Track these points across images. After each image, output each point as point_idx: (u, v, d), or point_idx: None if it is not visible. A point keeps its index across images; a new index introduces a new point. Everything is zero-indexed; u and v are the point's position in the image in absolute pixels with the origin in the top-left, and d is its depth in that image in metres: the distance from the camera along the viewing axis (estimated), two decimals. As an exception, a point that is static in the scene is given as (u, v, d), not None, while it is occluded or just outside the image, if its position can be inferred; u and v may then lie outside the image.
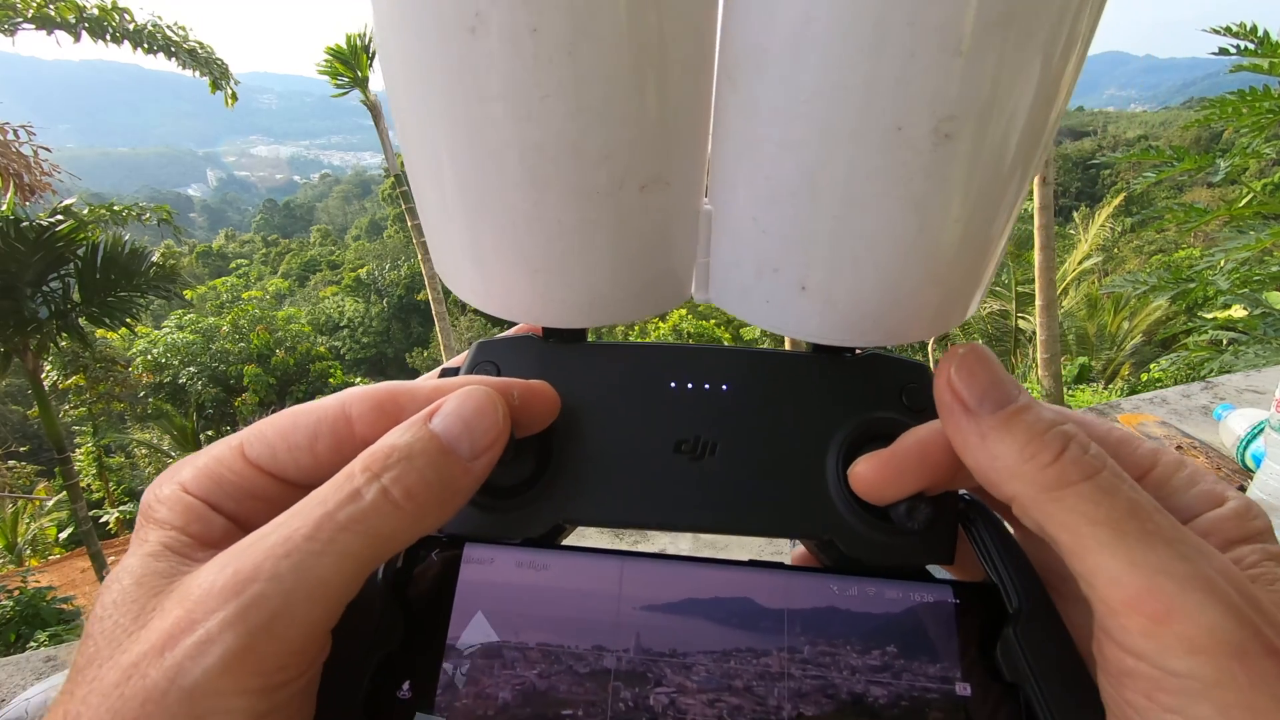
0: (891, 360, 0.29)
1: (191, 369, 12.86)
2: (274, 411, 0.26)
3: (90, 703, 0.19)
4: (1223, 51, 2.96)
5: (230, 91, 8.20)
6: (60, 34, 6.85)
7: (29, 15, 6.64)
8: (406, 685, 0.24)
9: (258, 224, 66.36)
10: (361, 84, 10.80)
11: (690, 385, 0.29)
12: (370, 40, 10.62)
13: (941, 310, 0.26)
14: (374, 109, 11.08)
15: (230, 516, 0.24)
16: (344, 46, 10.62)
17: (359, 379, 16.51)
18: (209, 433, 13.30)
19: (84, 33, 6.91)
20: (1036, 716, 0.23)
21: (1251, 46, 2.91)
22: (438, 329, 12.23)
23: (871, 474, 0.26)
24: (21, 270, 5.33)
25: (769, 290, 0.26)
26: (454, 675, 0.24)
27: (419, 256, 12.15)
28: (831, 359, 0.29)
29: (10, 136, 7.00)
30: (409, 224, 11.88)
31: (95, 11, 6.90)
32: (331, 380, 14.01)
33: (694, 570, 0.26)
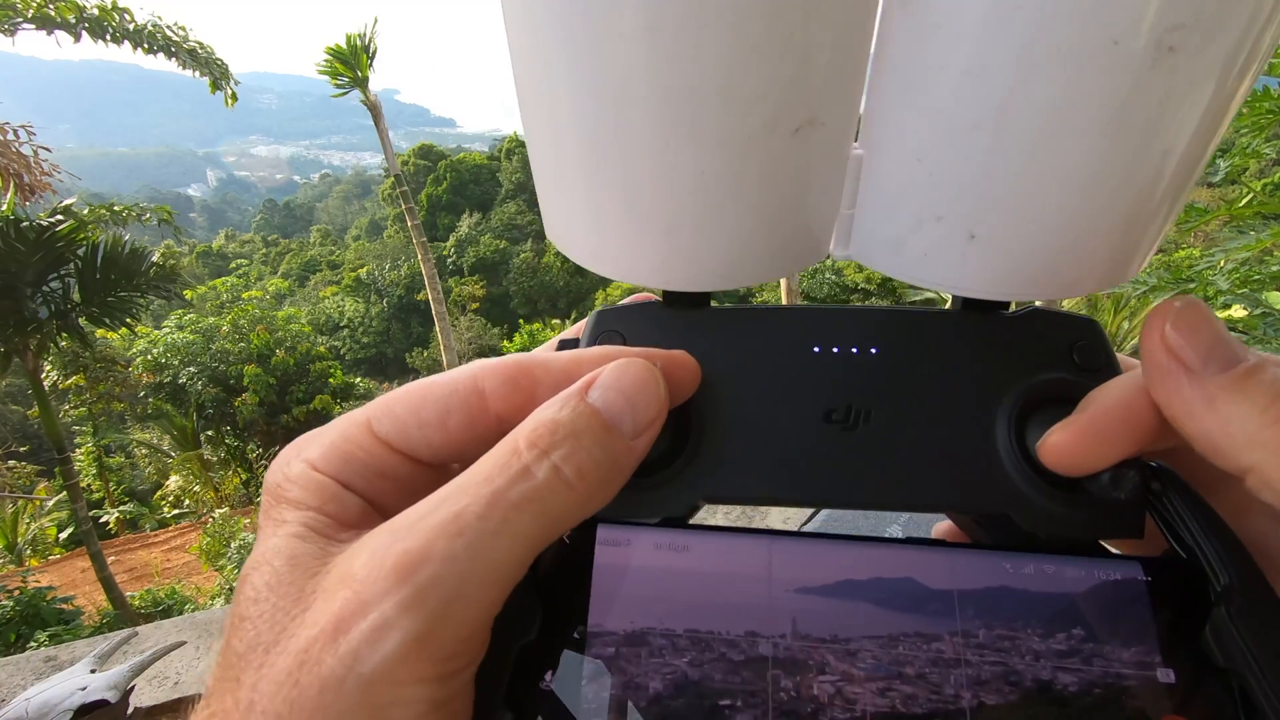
0: (1058, 315, 0.26)
1: (191, 369, 12.86)
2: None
3: (263, 690, 0.19)
4: (1223, 51, 2.96)
5: (230, 91, 8.20)
6: (60, 34, 6.85)
7: (29, 15, 6.63)
8: (549, 675, 0.23)
9: (258, 224, 66.34)
10: (361, 84, 10.79)
11: (836, 350, 0.26)
12: (370, 40, 10.64)
13: (1118, 259, 0.23)
14: (374, 109, 11.07)
15: (363, 495, 0.23)
16: (344, 46, 10.62)
17: (359, 379, 16.50)
18: (209, 433, 13.29)
19: (84, 33, 6.91)
20: (1257, 707, 0.20)
21: (1251, 46, 2.89)
22: (438, 329, 12.23)
23: (1070, 443, 0.23)
24: (21, 270, 5.33)
25: (929, 241, 0.23)
26: (599, 665, 0.23)
27: (419, 256, 12.15)
28: (988, 317, 0.26)
29: (10, 136, 7.00)
30: (409, 224, 11.86)
31: (95, 11, 6.89)
32: (331, 380, 14.00)
33: (848, 549, 0.24)
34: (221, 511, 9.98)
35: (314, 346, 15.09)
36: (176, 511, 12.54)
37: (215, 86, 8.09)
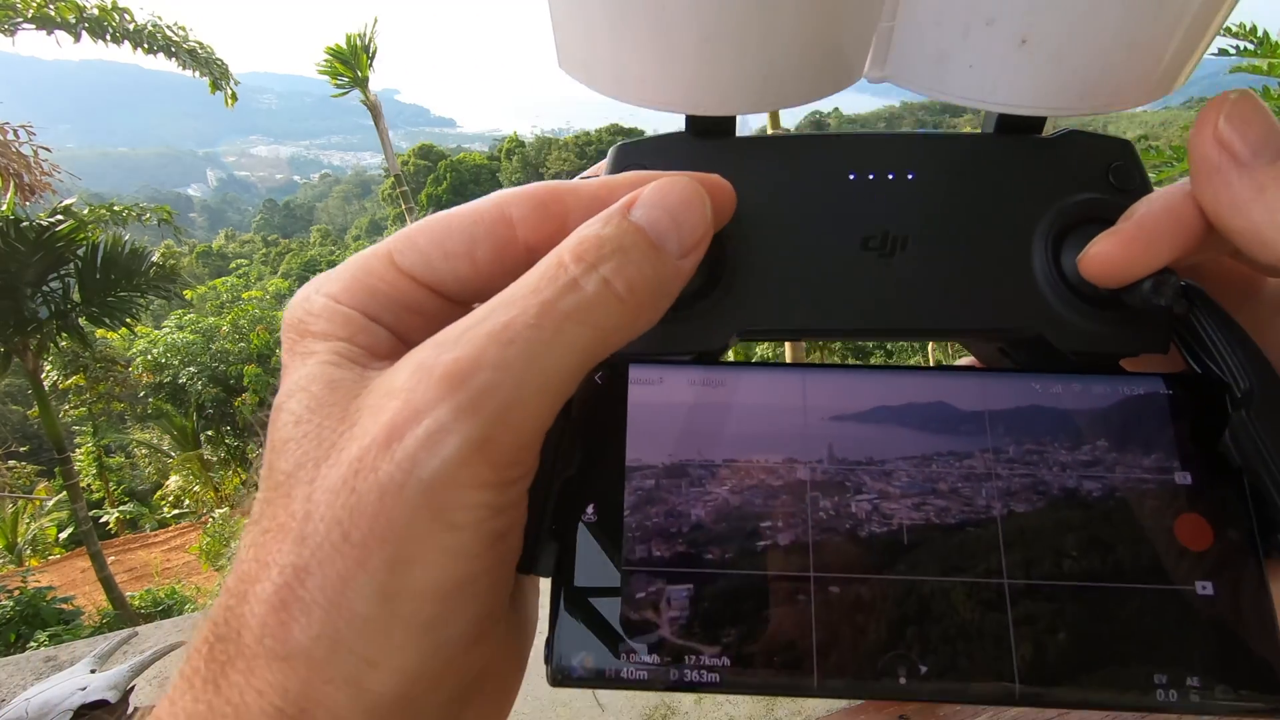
0: (1093, 137, 0.26)
1: (191, 369, 12.85)
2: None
3: (318, 500, 0.18)
4: (1222, 52, 2.96)
5: (230, 91, 8.19)
6: (60, 34, 6.85)
7: (29, 15, 6.63)
8: (591, 509, 0.23)
9: (258, 224, 66.29)
10: (361, 84, 10.79)
11: (872, 176, 0.26)
12: (370, 40, 10.63)
13: (1167, 68, 0.23)
14: (374, 109, 11.07)
15: (389, 329, 0.22)
16: (344, 46, 10.61)
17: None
18: (209, 433, 13.28)
19: (84, 33, 6.91)
20: (1269, 500, 0.22)
21: (1251, 47, 2.90)
22: (438, 329, 12.17)
23: (1115, 251, 0.23)
24: (21, 270, 5.33)
25: (977, 50, 0.22)
26: (640, 497, 0.23)
27: (419, 256, 12.08)
28: (1024, 139, 0.26)
29: (10, 136, 7.00)
30: (408, 224, 11.84)
31: (95, 11, 6.89)
32: (331, 380, 13.96)
33: (881, 378, 0.25)
34: (221, 511, 9.98)
35: (314, 346, 15.01)
36: (176, 511, 12.54)
37: (215, 86, 8.08)
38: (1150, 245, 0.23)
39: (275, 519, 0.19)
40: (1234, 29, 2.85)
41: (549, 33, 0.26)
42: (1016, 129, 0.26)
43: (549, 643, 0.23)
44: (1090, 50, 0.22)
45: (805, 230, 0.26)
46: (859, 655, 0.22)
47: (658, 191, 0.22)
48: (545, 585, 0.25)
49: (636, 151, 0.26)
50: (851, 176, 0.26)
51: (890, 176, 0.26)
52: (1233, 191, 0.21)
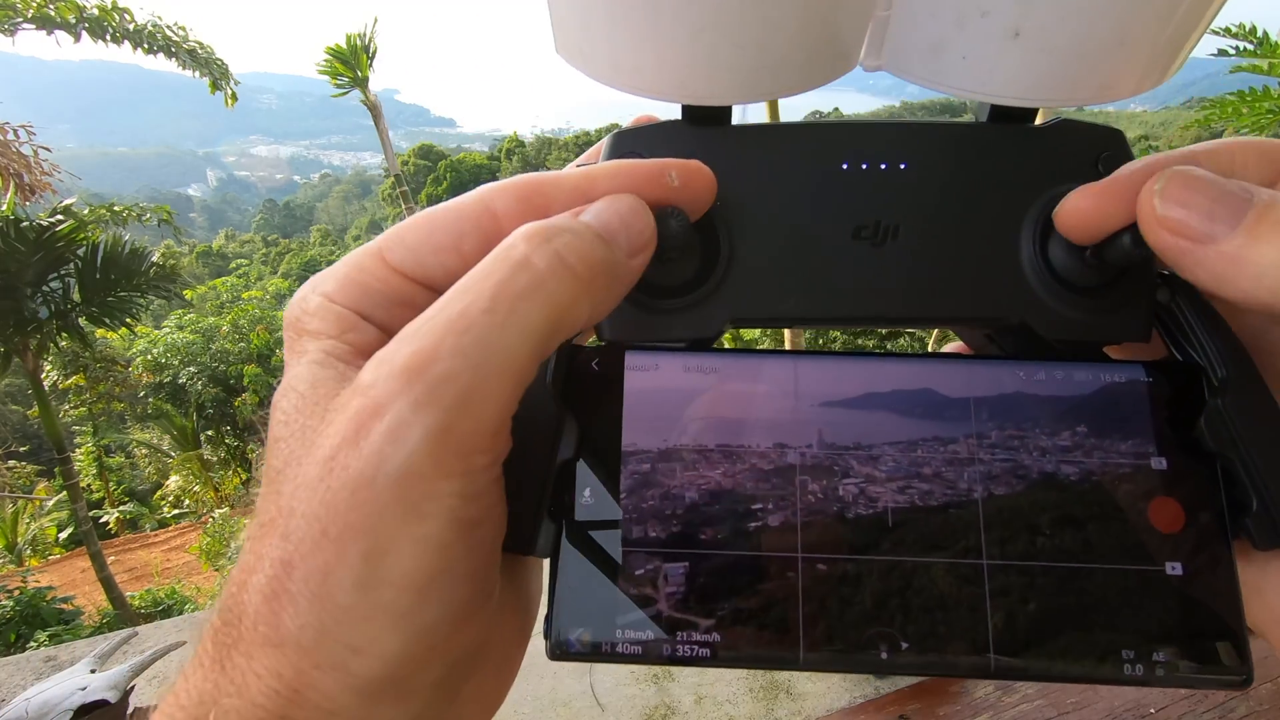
0: (1084, 126, 0.26)
1: (191, 369, 12.85)
2: None
3: (300, 497, 0.19)
4: (1222, 53, 2.96)
5: (230, 91, 8.19)
6: (60, 34, 6.85)
7: (29, 15, 6.63)
8: (588, 491, 0.24)
9: (258, 224, 66.30)
10: (361, 84, 10.79)
11: (865, 165, 0.26)
12: (370, 40, 10.63)
13: (1157, 59, 0.23)
14: (374, 109, 11.07)
15: (381, 326, 0.23)
16: (344, 46, 10.61)
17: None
18: (209, 433, 13.28)
19: (84, 33, 6.91)
20: (1240, 483, 0.23)
21: (1251, 47, 2.90)
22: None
23: (1087, 204, 0.23)
24: (21, 270, 5.33)
25: (971, 40, 0.23)
26: (636, 480, 0.24)
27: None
28: (1016, 129, 0.26)
29: (10, 136, 7.00)
30: (409, 224, 11.81)
31: (95, 11, 6.89)
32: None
33: (870, 365, 0.26)
34: (221, 511, 9.97)
35: (314, 346, 15.01)
36: (176, 511, 12.53)
37: (215, 86, 8.08)
38: (1122, 197, 0.23)
39: (268, 513, 0.20)
40: (1234, 29, 2.85)
41: (547, 24, 0.26)
42: (1009, 118, 0.27)
43: (547, 619, 0.24)
44: (1082, 42, 0.22)
45: (798, 219, 0.26)
46: (843, 631, 0.23)
47: (606, 201, 0.23)
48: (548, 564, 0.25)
49: (633, 139, 0.27)
50: (844, 166, 0.26)
51: (883, 166, 0.26)
52: (1210, 269, 0.21)
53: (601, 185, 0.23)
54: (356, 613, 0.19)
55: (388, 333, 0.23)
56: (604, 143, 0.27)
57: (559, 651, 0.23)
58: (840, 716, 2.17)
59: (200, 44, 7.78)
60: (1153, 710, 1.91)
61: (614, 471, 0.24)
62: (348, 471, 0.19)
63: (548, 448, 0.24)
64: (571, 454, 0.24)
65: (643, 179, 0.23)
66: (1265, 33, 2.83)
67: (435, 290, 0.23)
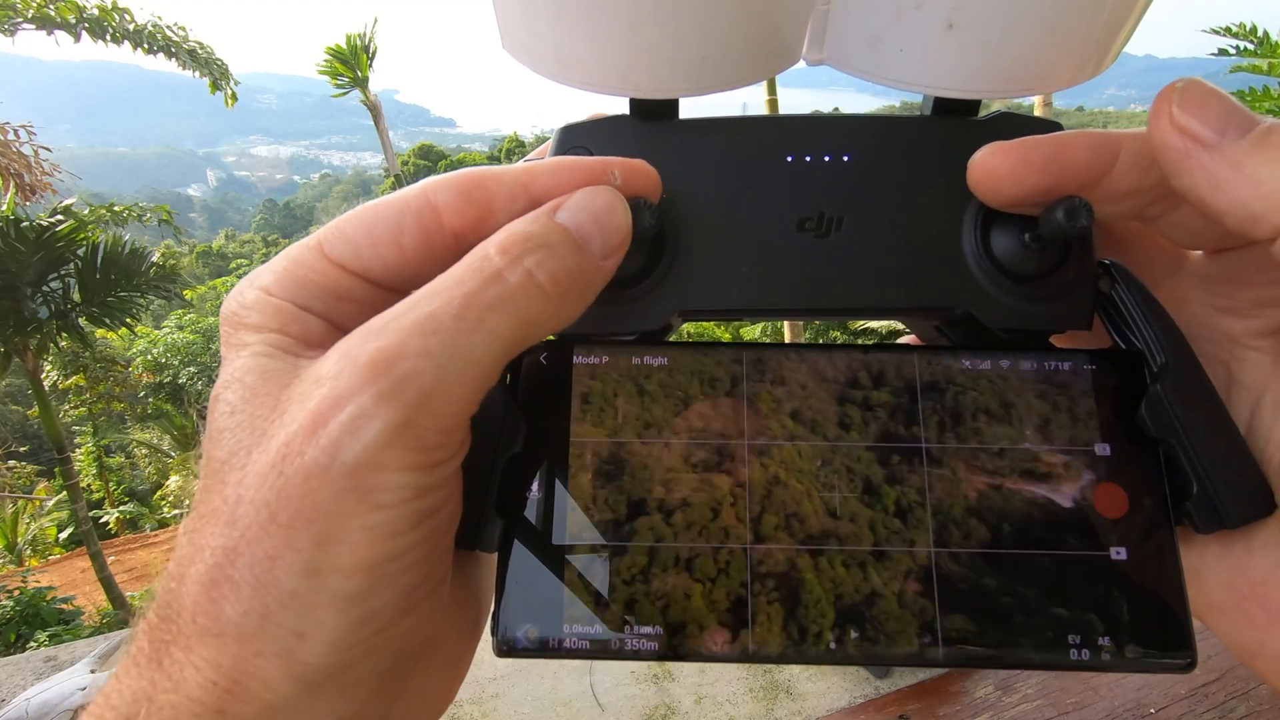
0: (1025, 119, 0.27)
1: (191, 369, 12.85)
2: None
3: (248, 484, 0.19)
4: (1222, 52, 2.96)
5: (230, 91, 8.19)
6: (60, 34, 6.85)
7: (29, 15, 6.63)
8: (535, 485, 0.24)
9: (258, 224, 66.30)
10: (361, 84, 10.79)
11: (809, 158, 0.27)
12: (370, 40, 10.64)
13: (1092, 51, 0.23)
14: (374, 109, 11.07)
15: (323, 318, 0.23)
16: (344, 47, 10.61)
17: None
18: (209, 433, 13.26)
19: (84, 33, 6.91)
20: (1181, 469, 0.24)
21: (1251, 47, 2.90)
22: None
23: (996, 161, 0.23)
24: (21, 270, 5.33)
25: (907, 33, 0.23)
26: (583, 475, 0.25)
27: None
28: (958, 121, 0.27)
29: (10, 136, 7.00)
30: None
31: (95, 11, 6.89)
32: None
33: (816, 355, 0.26)
34: (221, 511, 9.94)
35: (314, 346, 15.00)
36: (176, 511, 12.52)
37: (215, 86, 8.08)
38: (1033, 158, 0.23)
39: (210, 504, 0.20)
40: (1234, 29, 2.85)
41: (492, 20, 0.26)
42: (952, 111, 0.27)
43: (494, 615, 0.24)
44: (1014, 33, 0.22)
45: (743, 211, 0.26)
46: (792, 623, 0.23)
47: (584, 196, 0.23)
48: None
49: (580, 133, 0.27)
50: (789, 158, 0.27)
51: (827, 159, 0.27)
52: (1210, 173, 0.21)
53: (542, 182, 0.23)
54: (302, 598, 0.19)
55: (332, 325, 0.23)
56: (553, 137, 0.27)
57: (506, 648, 0.23)
58: (840, 716, 2.17)
59: (200, 44, 7.77)
60: (1152, 710, 1.91)
61: (561, 465, 0.25)
62: (302, 459, 0.19)
63: (495, 442, 0.24)
64: (519, 449, 0.24)
65: (584, 176, 0.23)
66: (1265, 32, 2.83)
67: (375, 284, 0.23)
